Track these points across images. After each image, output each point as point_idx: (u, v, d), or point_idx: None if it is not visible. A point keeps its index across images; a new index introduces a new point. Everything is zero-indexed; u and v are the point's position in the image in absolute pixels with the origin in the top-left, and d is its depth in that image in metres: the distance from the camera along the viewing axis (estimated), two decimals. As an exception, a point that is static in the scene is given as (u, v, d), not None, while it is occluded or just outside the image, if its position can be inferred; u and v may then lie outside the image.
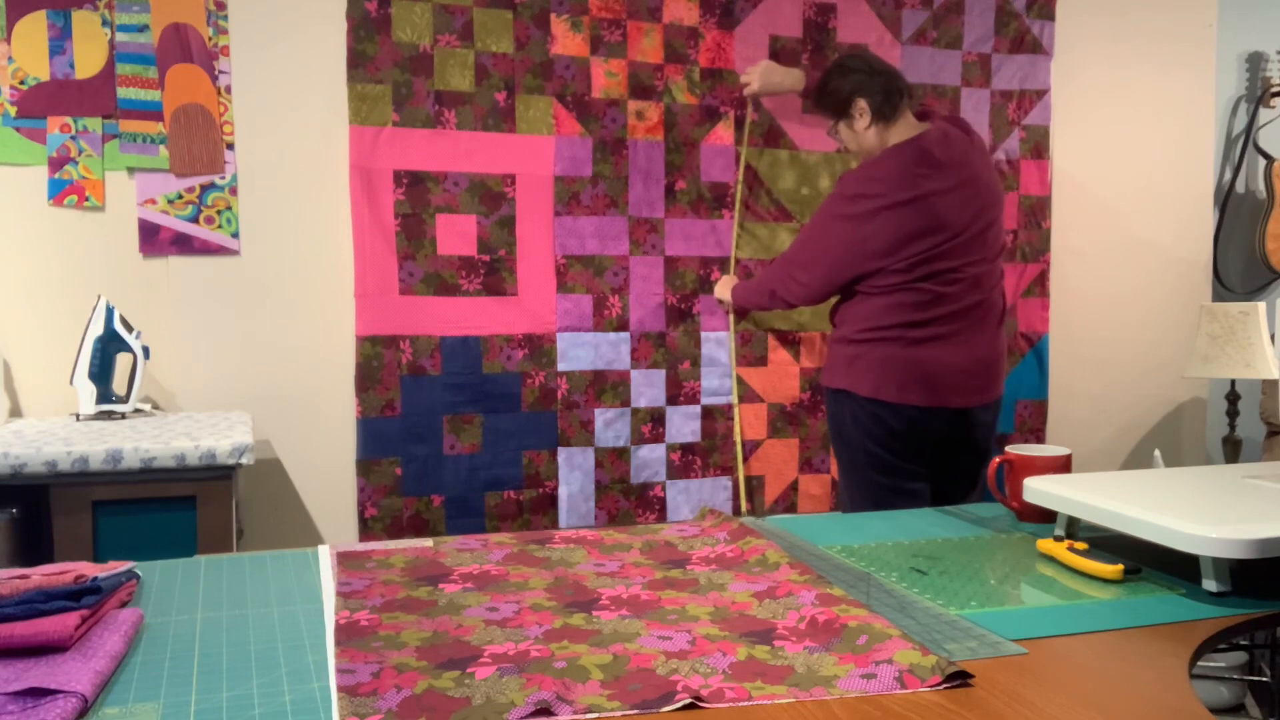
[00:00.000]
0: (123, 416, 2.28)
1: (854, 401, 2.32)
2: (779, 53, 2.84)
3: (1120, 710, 0.88)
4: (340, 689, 0.89)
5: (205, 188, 2.46)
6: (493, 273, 2.64)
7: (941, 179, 2.27)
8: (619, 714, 0.86)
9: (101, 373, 2.26)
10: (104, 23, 2.38)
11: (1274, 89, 3.38)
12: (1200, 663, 1.20)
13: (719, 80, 2.80)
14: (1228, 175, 3.44)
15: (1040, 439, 3.14)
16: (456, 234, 2.61)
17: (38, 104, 2.35)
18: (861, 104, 2.38)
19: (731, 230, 2.83)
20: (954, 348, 2.29)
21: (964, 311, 2.30)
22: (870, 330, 2.30)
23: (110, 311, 2.27)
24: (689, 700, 0.87)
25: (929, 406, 2.28)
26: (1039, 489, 1.41)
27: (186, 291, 2.46)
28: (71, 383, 2.27)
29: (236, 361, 2.50)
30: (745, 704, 0.88)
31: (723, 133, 2.82)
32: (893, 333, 2.28)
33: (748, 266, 2.85)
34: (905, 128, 2.38)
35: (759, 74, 2.70)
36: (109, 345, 2.27)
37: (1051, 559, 1.32)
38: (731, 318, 2.83)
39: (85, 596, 1.01)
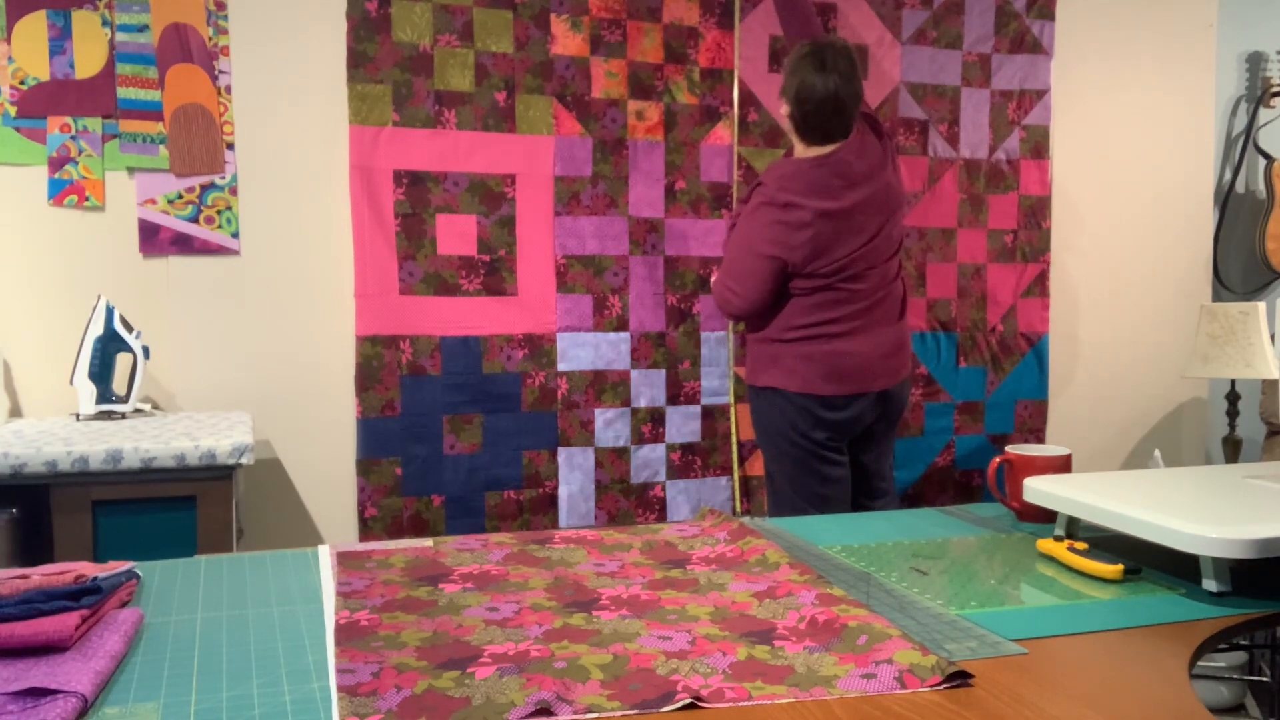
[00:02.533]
0: (123, 416, 2.28)
1: (783, 397, 2.40)
2: (779, 53, 2.84)
3: (1120, 710, 0.88)
4: (340, 689, 0.89)
5: (205, 188, 2.46)
6: (493, 273, 2.64)
7: (860, 191, 2.38)
8: (619, 714, 0.86)
9: (101, 373, 2.26)
10: (104, 23, 2.38)
11: (1274, 89, 3.38)
12: (1200, 663, 1.20)
13: (719, 80, 2.81)
14: (1228, 175, 3.44)
15: (1040, 439, 3.14)
16: (456, 234, 2.61)
17: (38, 104, 2.35)
18: (786, 105, 2.41)
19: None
20: (867, 338, 2.42)
21: (873, 305, 2.43)
22: (793, 329, 2.39)
23: (110, 311, 2.27)
24: (689, 700, 0.87)
25: (856, 394, 2.40)
26: (1039, 489, 1.41)
27: (186, 291, 2.46)
28: (71, 383, 2.27)
29: (236, 361, 2.50)
30: (745, 704, 0.88)
31: (723, 133, 2.82)
32: (814, 330, 2.38)
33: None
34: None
35: None
36: (109, 345, 2.27)
37: (1051, 559, 1.32)
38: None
39: (85, 596, 1.01)
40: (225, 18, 2.46)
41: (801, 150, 2.43)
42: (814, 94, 2.34)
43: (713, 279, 2.54)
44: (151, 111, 2.42)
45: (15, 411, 2.38)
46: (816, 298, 2.37)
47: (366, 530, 2.57)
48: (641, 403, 2.78)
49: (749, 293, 2.39)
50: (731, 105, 2.81)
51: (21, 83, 2.34)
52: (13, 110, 2.34)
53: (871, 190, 2.39)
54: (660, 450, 2.80)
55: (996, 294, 3.08)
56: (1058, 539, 1.35)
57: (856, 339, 2.40)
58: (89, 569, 1.10)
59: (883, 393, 2.44)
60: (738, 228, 2.45)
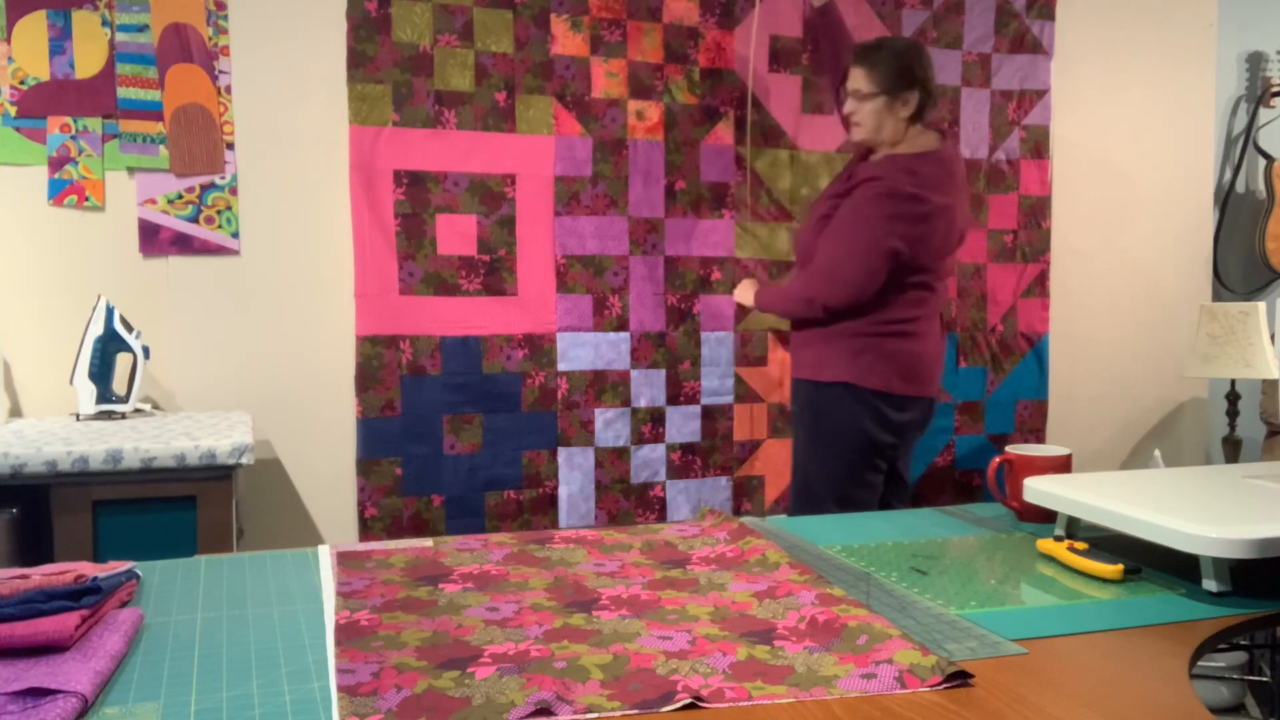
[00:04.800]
0: (123, 416, 2.28)
1: (853, 394, 2.34)
2: (779, 53, 2.84)
3: (1120, 710, 0.88)
4: (340, 689, 0.89)
5: (205, 188, 2.46)
6: (493, 273, 2.64)
7: (962, 191, 2.41)
8: (619, 714, 0.86)
9: (101, 373, 2.26)
10: (104, 23, 2.38)
11: (1274, 89, 3.37)
12: (1200, 663, 1.20)
13: (719, 80, 2.81)
14: (1228, 175, 3.44)
15: (1040, 439, 3.14)
16: (456, 234, 2.61)
17: (38, 104, 2.35)
18: (916, 97, 2.35)
19: (732, 231, 2.84)
20: (935, 340, 2.43)
21: (936, 308, 2.44)
22: (881, 324, 2.33)
23: (110, 311, 2.27)
24: (689, 700, 0.87)
25: (920, 396, 2.39)
26: (1039, 489, 1.41)
27: (186, 291, 2.46)
28: (71, 383, 2.27)
29: (236, 361, 2.50)
30: (745, 704, 0.88)
31: (723, 133, 2.82)
32: (898, 327, 2.34)
33: (747, 266, 2.85)
34: (919, 133, 2.40)
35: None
36: (109, 345, 2.27)
37: (1051, 559, 1.32)
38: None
39: (85, 596, 1.01)
40: (225, 18, 2.46)
41: (908, 145, 2.36)
42: (936, 87, 2.38)
43: (791, 282, 2.40)
44: (151, 111, 2.42)
45: (15, 411, 2.38)
46: (908, 294, 2.33)
47: (366, 530, 2.57)
48: (641, 403, 2.78)
49: (860, 287, 2.30)
50: (732, 105, 2.81)
51: (21, 83, 2.34)
52: (13, 110, 2.34)
53: (965, 194, 2.41)
54: (660, 450, 2.80)
55: (996, 294, 3.08)
56: (1058, 539, 1.35)
57: (927, 340, 2.38)
58: (89, 569, 1.10)
59: (932, 399, 2.46)
60: (843, 221, 2.32)
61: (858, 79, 2.37)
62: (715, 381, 2.84)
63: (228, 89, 2.47)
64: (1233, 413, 3.17)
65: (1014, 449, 1.58)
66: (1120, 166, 3.22)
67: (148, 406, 2.41)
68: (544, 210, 2.68)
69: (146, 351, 2.31)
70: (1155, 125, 3.24)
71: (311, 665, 0.96)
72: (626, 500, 2.77)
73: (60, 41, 2.36)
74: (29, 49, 2.34)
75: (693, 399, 2.83)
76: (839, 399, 2.36)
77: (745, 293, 2.69)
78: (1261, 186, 3.43)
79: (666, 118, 2.77)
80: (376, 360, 2.55)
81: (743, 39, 2.80)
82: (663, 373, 2.80)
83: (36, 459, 1.85)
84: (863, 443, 2.35)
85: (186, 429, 2.11)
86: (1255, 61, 3.43)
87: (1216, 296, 3.39)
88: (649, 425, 2.79)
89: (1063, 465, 1.54)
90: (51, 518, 1.89)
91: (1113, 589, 1.20)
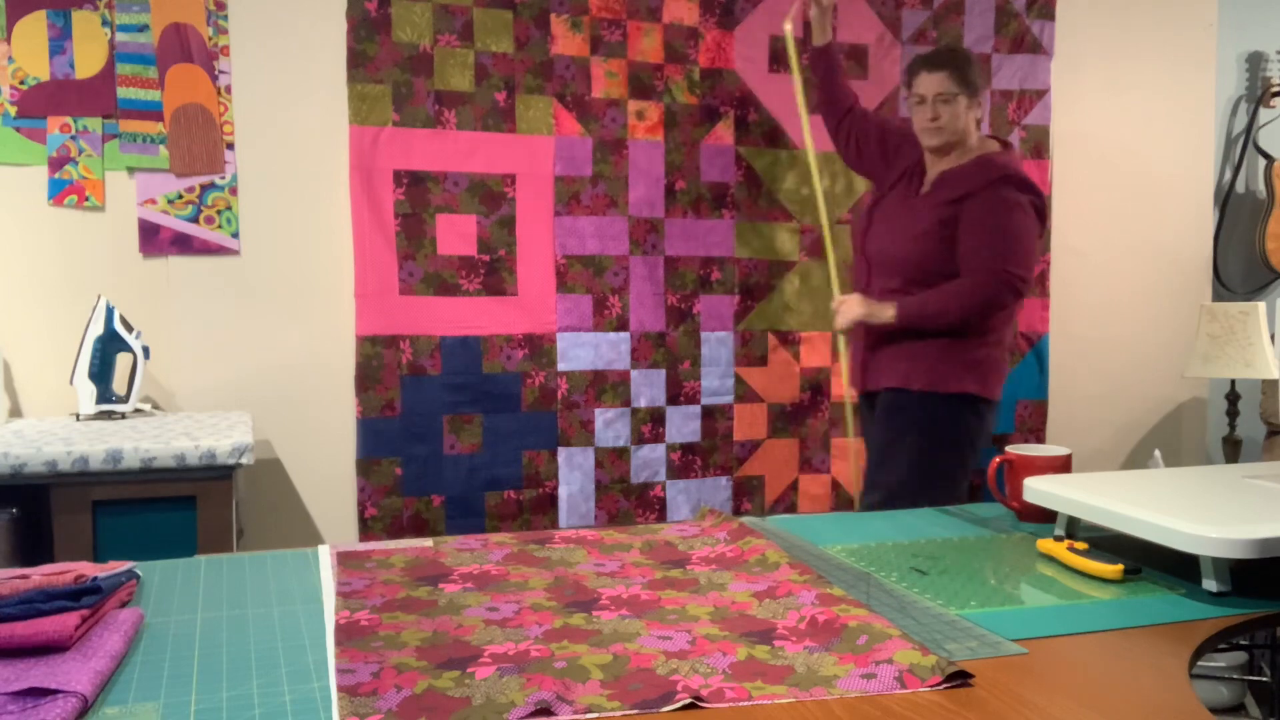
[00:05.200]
0: (123, 416, 2.28)
1: (974, 407, 2.35)
2: (779, 53, 2.84)
3: (1120, 710, 0.88)
4: (340, 689, 0.89)
5: (205, 188, 2.46)
6: (493, 273, 2.64)
7: None
8: (619, 714, 0.86)
9: (101, 373, 2.26)
10: (104, 23, 2.38)
11: (1274, 89, 3.37)
12: (1200, 663, 1.20)
13: (719, 80, 2.81)
14: (1228, 175, 3.44)
15: (1040, 439, 3.13)
16: (456, 234, 2.61)
17: (38, 104, 2.35)
18: (979, 102, 2.42)
19: (732, 231, 2.83)
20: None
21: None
22: (995, 333, 2.35)
23: (110, 311, 2.27)
24: (689, 700, 0.87)
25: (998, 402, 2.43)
26: (1039, 489, 1.41)
27: (186, 291, 2.46)
28: (71, 383, 2.27)
29: (236, 361, 2.50)
30: (745, 704, 0.88)
31: (723, 133, 2.82)
32: (996, 335, 2.37)
33: (748, 267, 2.85)
34: (981, 137, 2.45)
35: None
36: (109, 345, 2.27)
37: (1051, 559, 1.32)
38: (842, 340, 2.64)
39: (85, 596, 1.01)
40: (225, 18, 2.46)
41: (981, 147, 2.39)
42: None
43: (947, 286, 2.31)
44: (151, 111, 2.42)
45: (15, 411, 2.38)
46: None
47: (366, 530, 2.57)
48: (641, 403, 2.78)
49: (1030, 275, 2.34)
50: (731, 105, 2.81)
51: (21, 83, 2.34)
52: (13, 110, 2.34)
53: None
54: (660, 450, 2.80)
55: (996, 294, 3.08)
56: (1058, 539, 1.35)
57: (1005, 344, 2.42)
58: (89, 569, 1.10)
59: None
60: (993, 210, 2.29)
61: (938, 82, 2.35)
62: (715, 381, 2.84)
63: (228, 89, 2.47)
64: (1233, 413, 3.17)
65: (1014, 449, 1.58)
66: (1120, 166, 3.22)
67: (148, 406, 2.41)
68: (544, 210, 2.68)
69: (146, 351, 2.31)
70: (1155, 125, 3.24)
71: (311, 665, 0.96)
72: (626, 500, 2.77)
73: (60, 41, 2.36)
74: (29, 49, 2.34)
75: (693, 399, 2.83)
76: (961, 409, 2.34)
77: (873, 310, 2.38)
78: (1261, 186, 3.43)
79: (666, 118, 2.77)
80: (376, 360, 2.55)
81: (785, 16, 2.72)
82: (663, 373, 2.80)
83: (36, 459, 1.85)
84: (976, 450, 2.38)
85: (186, 429, 2.11)
86: (1255, 61, 3.43)
87: (1216, 296, 3.39)
88: (649, 425, 2.79)
89: (1063, 465, 1.54)
90: (51, 518, 1.89)
91: (1113, 589, 1.20)
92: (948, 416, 2.35)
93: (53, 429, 2.12)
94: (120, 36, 2.40)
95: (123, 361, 2.30)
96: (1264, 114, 3.40)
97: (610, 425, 2.75)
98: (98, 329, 2.26)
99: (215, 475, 1.98)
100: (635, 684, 0.91)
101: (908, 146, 2.50)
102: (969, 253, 2.30)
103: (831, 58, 2.63)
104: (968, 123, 2.38)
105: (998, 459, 1.55)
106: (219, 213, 2.47)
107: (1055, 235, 3.14)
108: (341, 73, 2.52)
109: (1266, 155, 3.39)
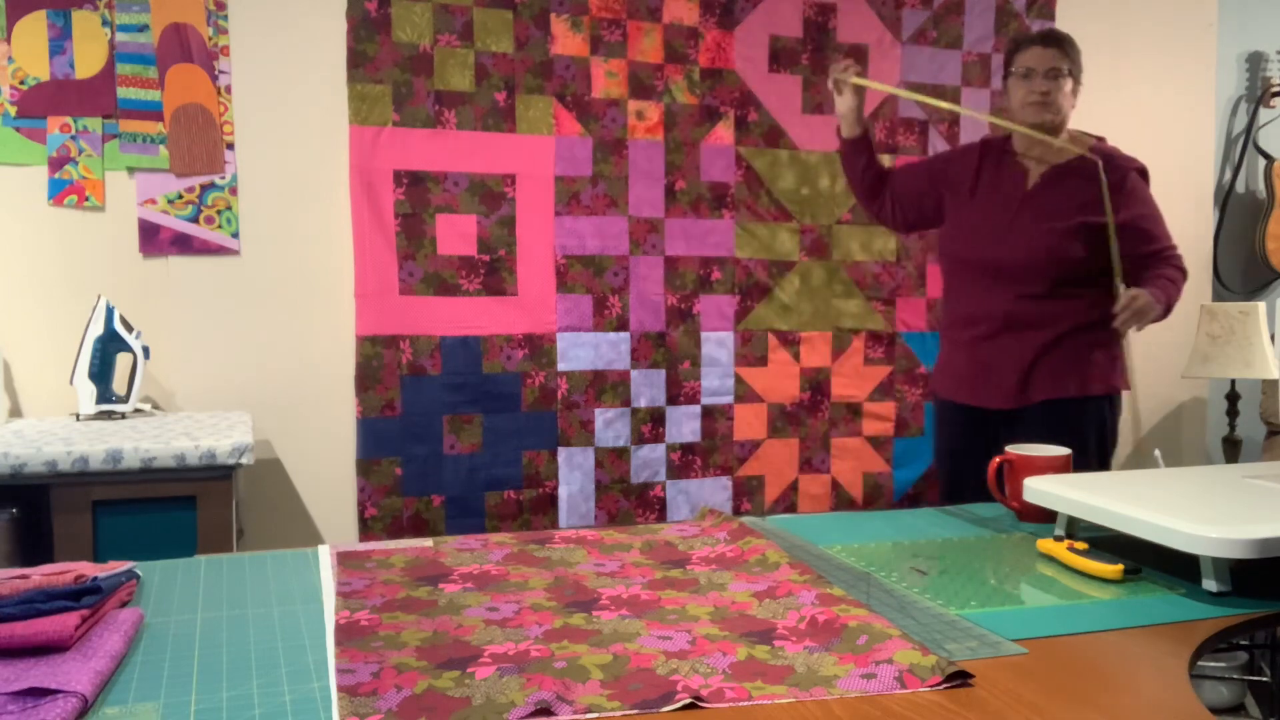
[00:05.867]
0: (123, 416, 2.28)
1: (1115, 402, 2.31)
2: (779, 53, 2.84)
3: (1120, 710, 0.88)
4: (340, 689, 0.89)
5: (205, 188, 2.46)
6: (493, 273, 2.64)
7: None
8: (619, 714, 0.86)
9: (101, 373, 2.26)
10: (104, 23, 2.38)
11: (1274, 89, 3.37)
12: (1200, 663, 1.20)
13: (719, 80, 2.81)
14: (1228, 175, 3.44)
15: (1040, 439, 3.13)
16: (456, 234, 2.61)
17: (38, 104, 2.35)
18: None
19: (732, 231, 2.83)
20: None
21: None
22: (1109, 325, 2.23)
23: (110, 311, 2.27)
24: (689, 700, 0.87)
25: None
26: (1039, 489, 1.41)
27: (186, 291, 2.46)
28: (71, 383, 2.27)
29: (236, 361, 2.49)
30: (745, 704, 0.88)
31: (723, 133, 2.82)
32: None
33: (749, 267, 2.85)
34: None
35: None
36: (109, 345, 2.27)
37: (1051, 559, 1.32)
38: None
39: (85, 596, 1.01)
40: (225, 18, 2.46)
41: (1090, 139, 2.33)
42: None
43: (1159, 273, 2.26)
44: (151, 111, 2.42)
45: (15, 411, 2.38)
46: None
47: (366, 530, 2.57)
48: (641, 403, 2.78)
49: None
50: (731, 105, 2.81)
51: (21, 83, 2.34)
52: (13, 110, 2.34)
53: None
54: (660, 450, 2.80)
55: (996, 294, 3.08)
56: (1058, 539, 1.35)
57: None
58: (89, 569, 1.10)
59: None
60: (1141, 201, 2.27)
61: (1051, 57, 2.25)
62: (715, 381, 2.84)
63: (228, 89, 2.47)
64: (1233, 413, 3.17)
65: (1014, 449, 1.58)
66: (1120, 166, 3.21)
67: (148, 406, 2.41)
68: (544, 210, 2.68)
69: (146, 351, 2.31)
70: (1155, 125, 3.24)
71: (311, 665, 0.96)
72: (626, 500, 2.77)
73: (60, 41, 2.36)
74: (29, 49, 2.34)
75: (693, 399, 2.83)
76: (1107, 409, 2.29)
77: (1146, 307, 2.20)
78: (1261, 186, 3.43)
79: (666, 118, 2.77)
80: (376, 360, 2.55)
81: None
82: (663, 373, 2.80)
83: (36, 459, 1.85)
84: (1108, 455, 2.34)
85: (186, 429, 2.11)
86: (1255, 61, 3.43)
87: (1216, 296, 3.39)
88: (649, 425, 2.79)
89: (1063, 465, 1.54)
90: (51, 518, 1.88)
91: (1113, 589, 1.20)
92: (1107, 416, 2.30)
93: (53, 429, 2.12)
94: (120, 36, 2.40)
95: (123, 361, 2.30)
96: (1264, 114, 3.40)
97: (610, 425, 2.75)
98: (98, 329, 2.26)
99: (215, 475, 1.97)
100: (635, 684, 0.91)
101: (956, 159, 2.40)
102: (1154, 240, 2.27)
103: (867, 149, 2.43)
104: (1069, 104, 2.28)
105: (998, 459, 1.55)
106: (219, 213, 2.47)
107: (1055, 235, 3.13)
108: (341, 73, 2.52)
109: (1266, 155, 3.39)
